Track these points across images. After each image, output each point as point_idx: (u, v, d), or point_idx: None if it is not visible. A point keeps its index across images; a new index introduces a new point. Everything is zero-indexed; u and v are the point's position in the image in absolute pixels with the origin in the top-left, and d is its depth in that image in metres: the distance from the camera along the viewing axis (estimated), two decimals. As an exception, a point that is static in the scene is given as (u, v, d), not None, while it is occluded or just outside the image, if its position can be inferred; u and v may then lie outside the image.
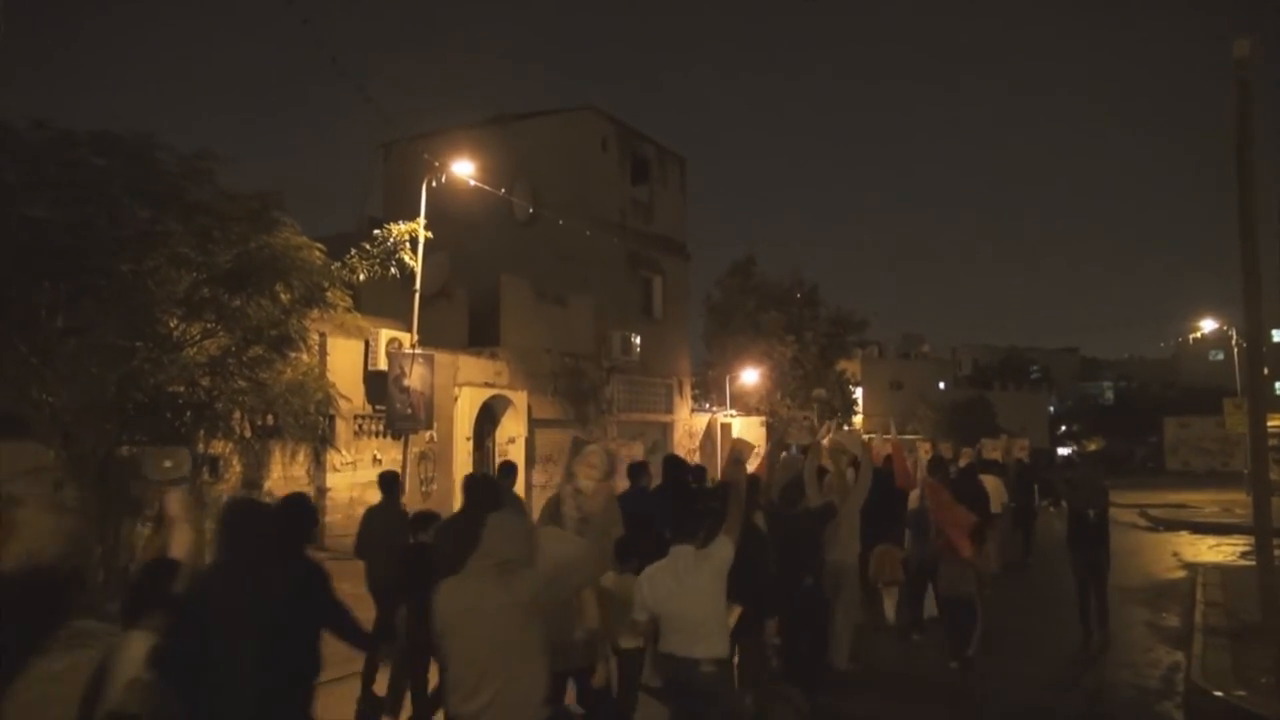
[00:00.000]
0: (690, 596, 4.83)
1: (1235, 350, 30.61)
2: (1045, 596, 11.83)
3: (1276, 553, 9.74)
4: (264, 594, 3.52)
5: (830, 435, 10.64)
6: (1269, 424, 13.35)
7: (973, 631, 7.66)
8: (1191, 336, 39.92)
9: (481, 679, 3.49)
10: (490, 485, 6.88)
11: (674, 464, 8.93)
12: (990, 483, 11.78)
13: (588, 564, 4.09)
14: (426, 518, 6.94)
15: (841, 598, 8.05)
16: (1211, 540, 18.71)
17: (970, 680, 7.62)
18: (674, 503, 7.33)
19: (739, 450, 6.11)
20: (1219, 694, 7.32)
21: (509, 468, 9.72)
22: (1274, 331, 40.57)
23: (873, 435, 14.64)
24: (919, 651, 9.13)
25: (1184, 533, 20.40)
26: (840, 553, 7.99)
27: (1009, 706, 7.59)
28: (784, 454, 9.45)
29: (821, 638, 7.51)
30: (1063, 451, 58.23)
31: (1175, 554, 16.80)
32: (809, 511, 7.49)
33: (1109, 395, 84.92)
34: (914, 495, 9.71)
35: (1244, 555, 14.74)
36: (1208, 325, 36.14)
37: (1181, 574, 14.29)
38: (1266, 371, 11.76)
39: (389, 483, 8.74)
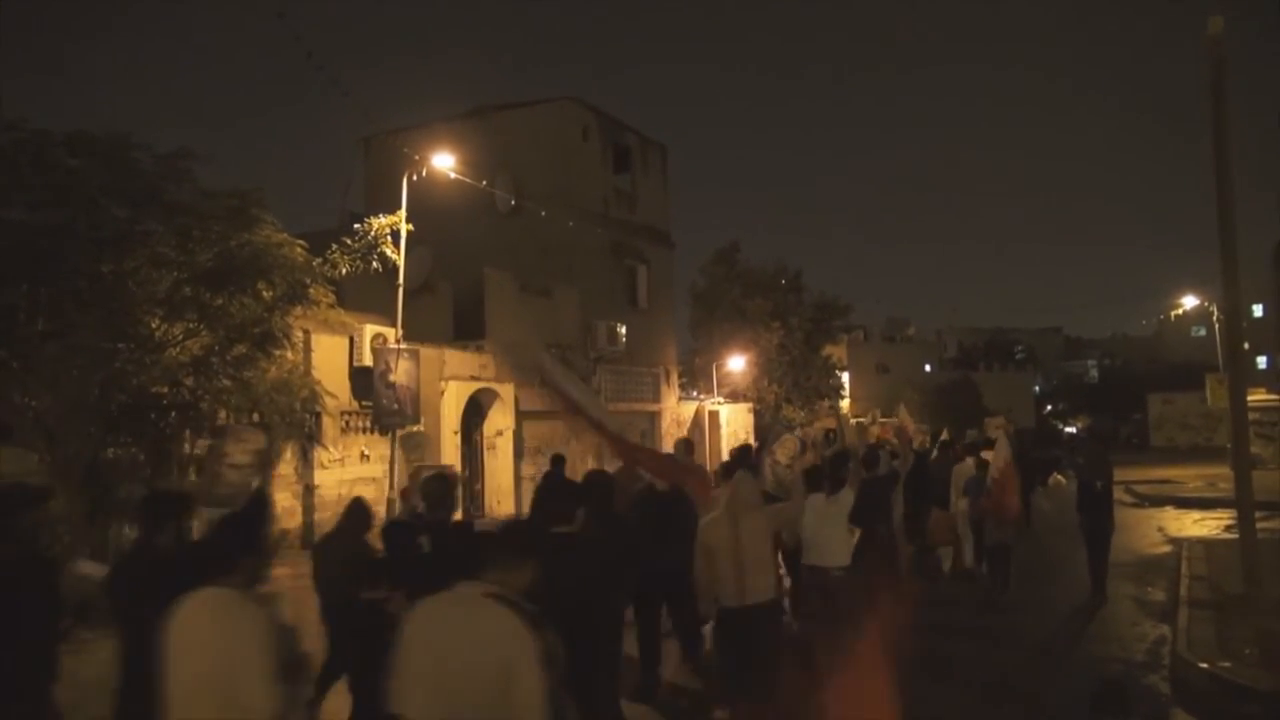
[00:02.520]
0: (826, 528, 7.00)
1: (1216, 326, 30.88)
2: (1044, 562, 12.80)
3: (1259, 526, 9.87)
4: None
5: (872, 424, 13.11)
6: (1250, 399, 13.50)
7: (1009, 573, 10.55)
8: (1173, 313, 40.26)
9: (747, 567, 5.40)
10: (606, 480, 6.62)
11: (744, 453, 10.54)
12: (970, 464, 12.60)
13: (789, 513, 6.88)
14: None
15: None
16: (1196, 515, 18.88)
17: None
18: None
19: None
20: (1204, 666, 7.40)
21: (560, 458, 10.73)
22: (1255, 307, 40.89)
23: (887, 420, 15.54)
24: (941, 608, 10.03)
25: (1169, 508, 20.57)
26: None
27: (993, 679, 7.67)
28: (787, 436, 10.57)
29: (896, 569, 9.41)
30: (1069, 430, 59.25)
31: (1160, 529, 16.95)
32: (880, 478, 9.54)
33: (1093, 374, 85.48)
34: (967, 465, 11.97)
35: (1228, 529, 14.88)
36: (1189, 302, 36.39)
37: (1167, 549, 14.43)
38: (1247, 346, 11.89)
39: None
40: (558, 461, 10.40)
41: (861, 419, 16.64)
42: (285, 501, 14.07)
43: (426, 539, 5.08)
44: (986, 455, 12.21)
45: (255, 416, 11.49)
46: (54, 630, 3.81)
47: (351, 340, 16.02)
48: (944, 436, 16.70)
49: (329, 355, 15.28)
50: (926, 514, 11.56)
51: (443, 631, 2.92)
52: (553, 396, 6.63)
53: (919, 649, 7.28)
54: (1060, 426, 63.19)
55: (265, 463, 6.98)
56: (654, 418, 26.45)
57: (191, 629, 3.05)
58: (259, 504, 4.81)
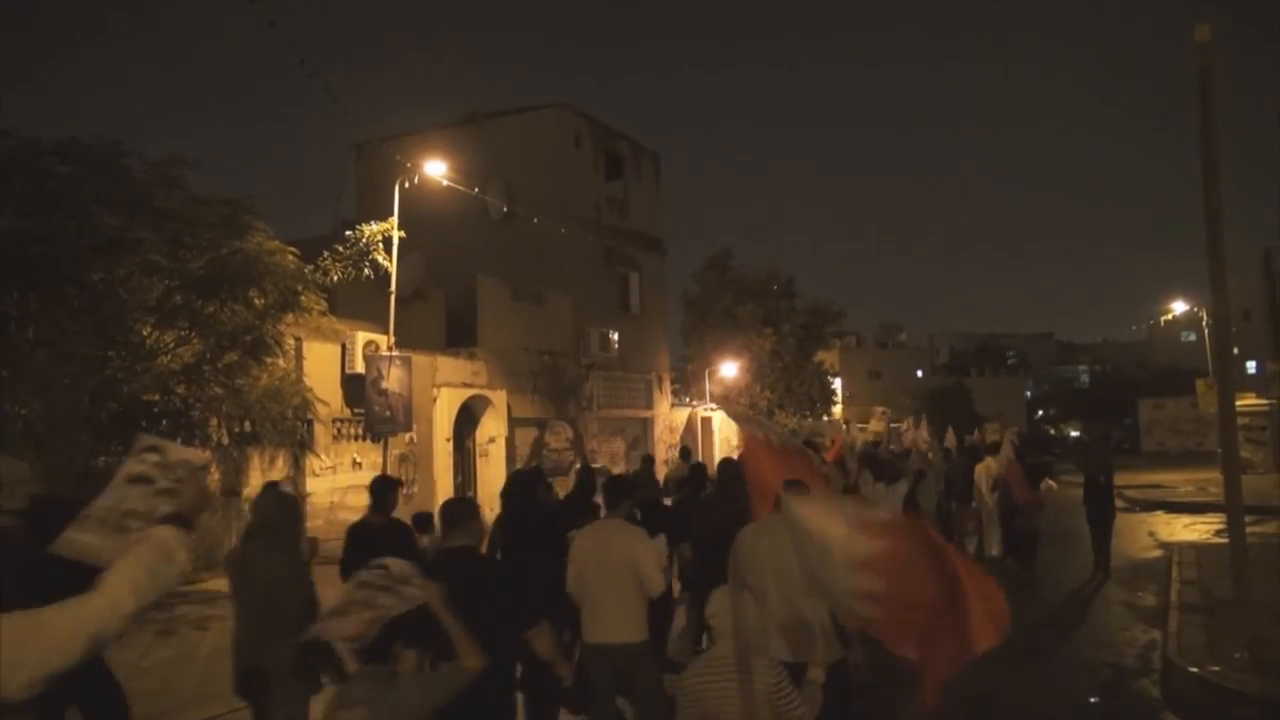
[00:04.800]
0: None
1: (1206, 331, 31.00)
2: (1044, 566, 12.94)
3: (1249, 530, 9.90)
4: None
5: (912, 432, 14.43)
6: (1239, 404, 13.56)
7: (1036, 554, 12.54)
8: (1163, 318, 40.36)
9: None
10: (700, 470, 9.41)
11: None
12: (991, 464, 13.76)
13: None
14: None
15: None
16: (1186, 519, 18.96)
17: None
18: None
19: None
20: (1194, 670, 7.44)
21: (649, 459, 12.42)
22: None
23: (905, 427, 16.30)
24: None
25: (1160, 512, 20.66)
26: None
27: (983, 682, 7.68)
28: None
29: None
30: (1073, 434, 60.41)
31: (1151, 533, 17.02)
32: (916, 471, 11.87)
33: (1084, 379, 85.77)
34: (990, 465, 13.08)
35: (1218, 533, 14.95)
36: (1179, 307, 36.51)
37: (1158, 553, 14.49)
38: (1236, 351, 11.94)
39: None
40: (648, 461, 13.19)
41: (897, 424, 17.76)
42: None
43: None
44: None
45: (247, 424, 11.46)
46: None
47: (343, 347, 15.98)
48: (969, 440, 18.18)
49: (321, 363, 15.24)
50: (953, 508, 13.26)
51: (603, 540, 5.37)
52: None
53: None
54: (1051, 432, 63.42)
55: (578, 446, 9.06)
56: (646, 424, 26.45)
57: (612, 537, 5.39)
58: (587, 471, 7.90)
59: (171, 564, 2.32)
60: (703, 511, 7.12)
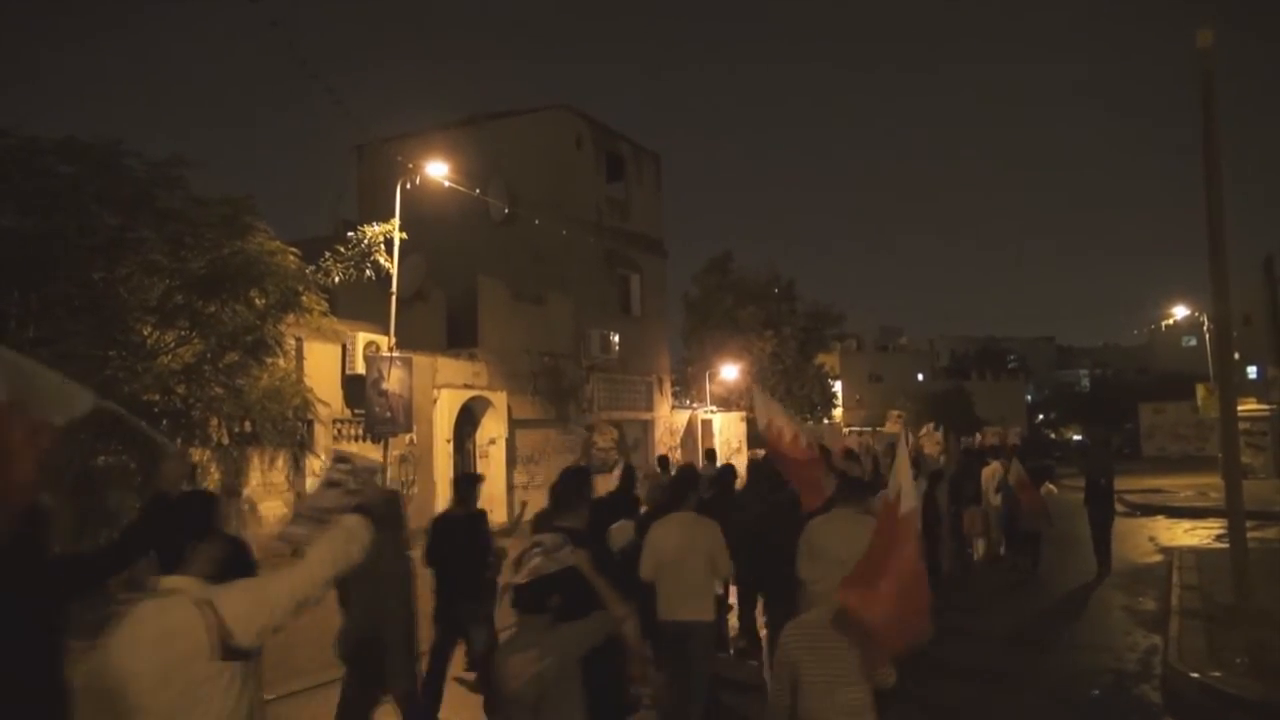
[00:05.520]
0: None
1: (1207, 336, 30.98)
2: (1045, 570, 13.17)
3: (1249, 535, 9.89)
4: None
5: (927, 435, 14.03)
6: (1240, 408, 13.55)
7: (1039, 554, 12.98)
8: (1164, 323, 40.39)
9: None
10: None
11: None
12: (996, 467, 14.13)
13: None
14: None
15: None
16: (1187, 524, 18.93)
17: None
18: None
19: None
20: (1195, 675, 7.42)
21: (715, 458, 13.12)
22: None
23: (924, 432, 16.60)
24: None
25: (1160, 517, 20.63)
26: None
27: (983, 685, 7.67)
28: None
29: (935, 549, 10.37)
30: (1075, 438, 60.72)
31: (1152, 538, 17.00)
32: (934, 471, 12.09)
33: (1085, 383, 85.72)
34: (995, 469, 13.57)
35: (1219, 538, 14.92)
36: (1180, 312, 36.52)
37: (1158, 558, 14.46)
38: (1237, 356, 11.94)
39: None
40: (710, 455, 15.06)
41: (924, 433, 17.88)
42: (277, 510, 13.99)
43: None
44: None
45: (247, 425, 11.44)
46: None
47: (344, 348, 15.98)
48: (965, 443, 18.33)
49: (321, 363, 15.24)
50: (963, 510, 13.34)
51: (684, 530, 5.83)
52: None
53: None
54: (1052, 436, 63.43)
55: (622, 445, 10.03)
56: (647, 426, 26.43)
57: (691, 527, 5.87)
58: (630, 468, 8.75)
59: (357, 543, 3.03)
60: (735, 513, 7.68)
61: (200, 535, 2.92)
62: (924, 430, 14.91)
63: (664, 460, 15.40)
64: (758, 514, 7.72)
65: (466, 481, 7.35)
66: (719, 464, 12.94)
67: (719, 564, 5.87)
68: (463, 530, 6.69)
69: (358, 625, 5.64)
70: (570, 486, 5.04)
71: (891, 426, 39.52)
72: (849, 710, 3.76)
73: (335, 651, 5.73)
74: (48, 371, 4.22)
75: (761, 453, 11.49)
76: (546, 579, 3.68)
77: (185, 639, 2.62)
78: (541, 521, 5.72)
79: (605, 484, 11.16)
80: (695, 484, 6.76)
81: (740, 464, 16.34)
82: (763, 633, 7.73)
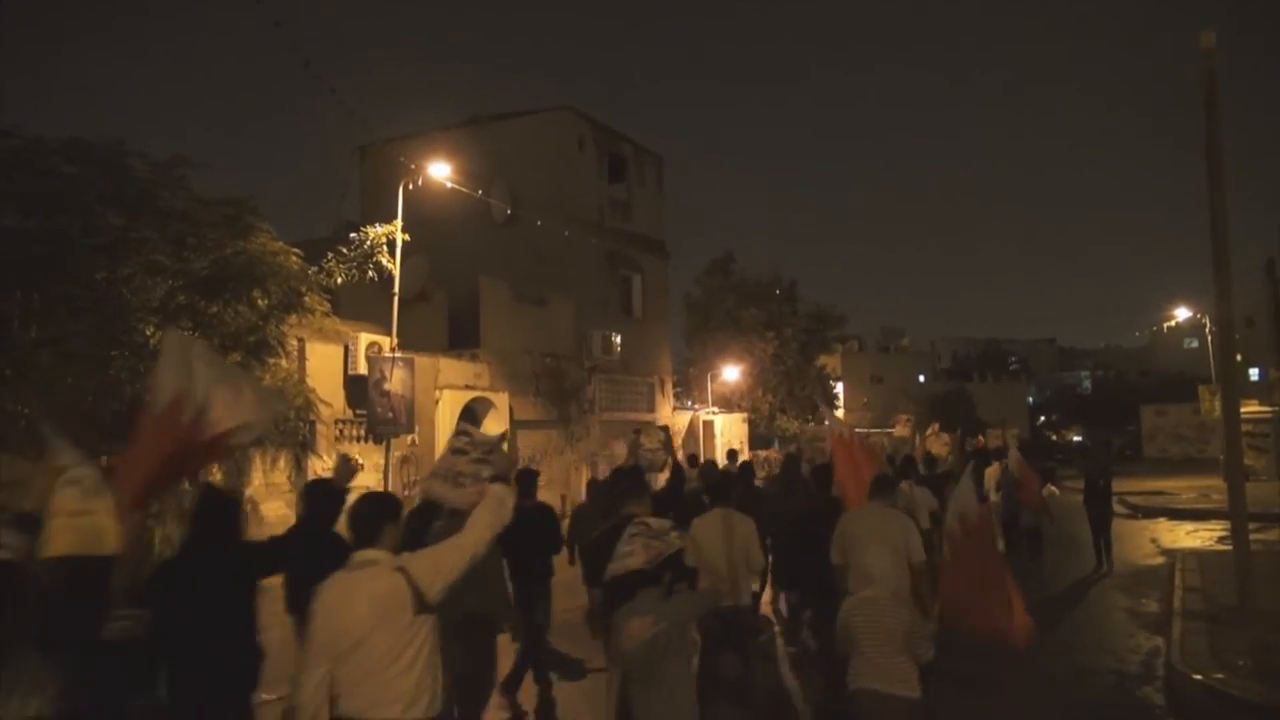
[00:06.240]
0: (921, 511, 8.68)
1: (1209, 337, 30.96)
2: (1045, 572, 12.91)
3: (1252, 537, 9.88)
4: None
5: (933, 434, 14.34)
6: (1242, 410, 13.54)
7: (1041, 549, 13.63)
8: (1166, 325, 40.39)
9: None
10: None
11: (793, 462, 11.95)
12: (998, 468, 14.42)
13: None
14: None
15: None
16: (1189, 526, 18.92)
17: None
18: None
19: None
20: (1198, 677, 7.41)
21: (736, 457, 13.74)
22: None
23: (930, 432, 16.63)
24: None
25: (1162, 519, 20.62)
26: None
27: (983, 688, 7.66)
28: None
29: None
30: (1076, 439, 60.82)
31: (1154, 540, 16.98)
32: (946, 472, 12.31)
33: (1086, 385, 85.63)
34: (995, 468, 13.88)
35: (1221, 540, 14.92)
36: (1182, 313, 36.47)
37: (1160, 560, 14.45)
38: (1240, 358, 11.93)
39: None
40: (732, 456, 15.60)
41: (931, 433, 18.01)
42: (279, 510, 13.98)
43: None
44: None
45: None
46: None
47: (346, 349, 15.98)
48: (981, 444, 18.46)
49: (323, 364, 15.23)
50: None
51: (726, 525, 6.21)
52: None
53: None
54: (1053, 438, 63.39)
55: (667, 447, 10.42)
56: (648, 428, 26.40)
57: (732, 522, 6.23)
58: (678, 469, 9.63)
59: (505, 508, 3.82)
60: (769, 509, 8.54)
61: (393, 519, 3.71)
62: (930, 430, 14.85)
63: (693, 459, 15.55)
64: (801, 511, 8.29)
65: (529, 476, 7.98)
66: (744, 462, 13.37)
67: (753, 557, 6.31)
68: (528, 520, 7.03)
69: (460, 599, 6.06)
70: (635, 479, 6.05)
71: (900, 431, 39.51)
72: (897, 676, 4.65)
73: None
74: (246, 378, 5.19)
75: (763, 453, 12.19)
76: (665, 559, 4.36)
77: (393, 599, 3.40)
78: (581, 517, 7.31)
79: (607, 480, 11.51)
80: (734, 483, 7.58)
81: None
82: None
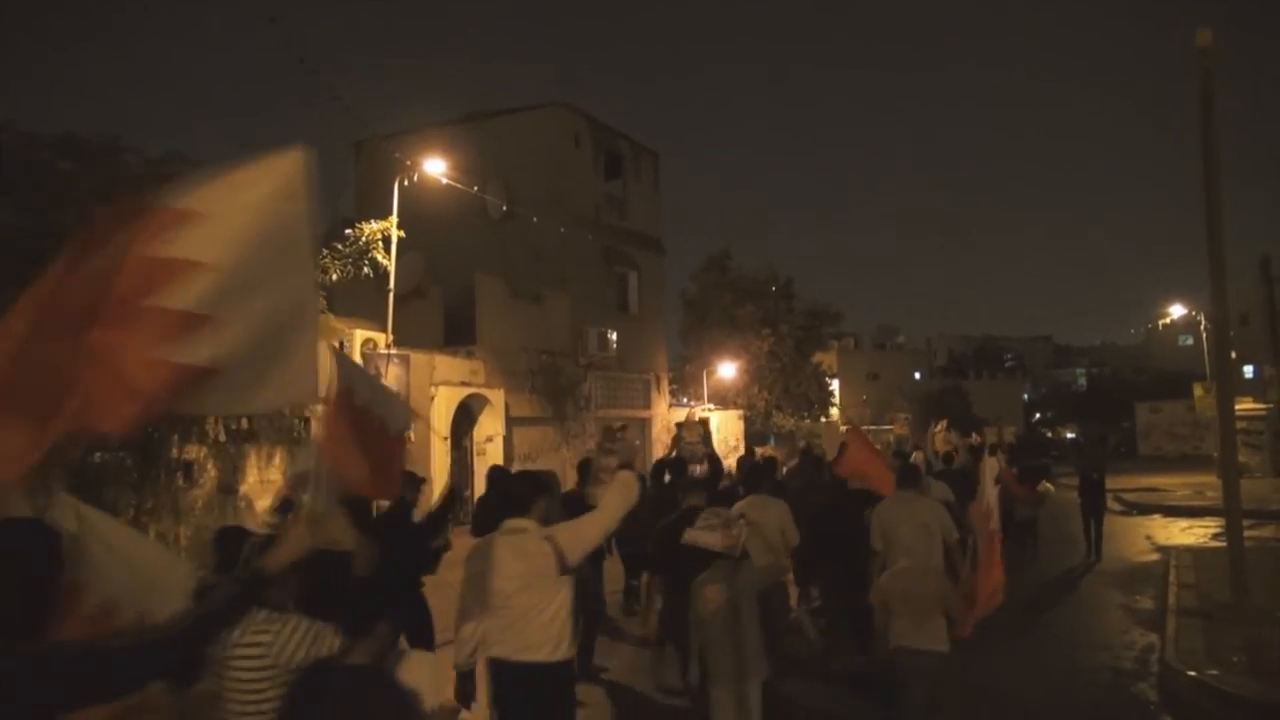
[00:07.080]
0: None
1: (1204, 335, 31.02)
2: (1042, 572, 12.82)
3: (1246, 534, 9.91)
4: None
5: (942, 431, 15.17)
6: (1237, 408, 13.59)
7: (1035, 542, 13.91)
8: (1161, 322, 40.40)
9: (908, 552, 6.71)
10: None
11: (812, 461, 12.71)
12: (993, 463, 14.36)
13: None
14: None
15: None
16: (1184, 523, 18.96)
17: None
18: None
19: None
20: (1192, 674, 7.43)
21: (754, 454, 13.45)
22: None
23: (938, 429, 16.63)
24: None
25: (1157, 516, 20.65)
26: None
27: (978, 685, 7.67)
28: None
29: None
30: (1069, 435, 60.85)
31: (1148, 537, 17.01)
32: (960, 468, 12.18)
33: (1082, 382, 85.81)
34: (992, 463, 14.04)
35: (1215, 537, 14.95)
36: (1177, 311, 36.51)
37: (1155, 557, 14.47)
38: (1234, 355, 11.96)
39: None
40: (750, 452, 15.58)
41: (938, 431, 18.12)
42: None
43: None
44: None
45: (244, 421, 11.42)
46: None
47: (341, 345, 15.94)
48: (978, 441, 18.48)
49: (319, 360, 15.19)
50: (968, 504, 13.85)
51: (907, 506, 7.18)
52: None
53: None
54: (1049, 434, 63.47)
55: (708, 439, 10.89)
56: (645, 424, 26.42)
57: (768, 507, 7.02)
58: (716, 459, 9.66)
59: (632, 491, 4.36)
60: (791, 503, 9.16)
61: (544, 494, 4.43)
62: (938, 427, 14.90)
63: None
64: (813, 504, 8.88)
65: (587, 465, 8.84)
66: (767, 456, 13.78)
67: (789, 534, 7.03)
68: (584, 509, 7.35)
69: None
70: (679, 472, 7.67)
71: (898, 429, 39.60)
72: (929, 634, 5.50)
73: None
74: (384, 386, 5.59)
75: (759, 450, 12.63)
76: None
77: (540, 560, 4.06)
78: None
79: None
80: (768, 472, 8.42)
81: (733, 464, 16.50)
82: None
